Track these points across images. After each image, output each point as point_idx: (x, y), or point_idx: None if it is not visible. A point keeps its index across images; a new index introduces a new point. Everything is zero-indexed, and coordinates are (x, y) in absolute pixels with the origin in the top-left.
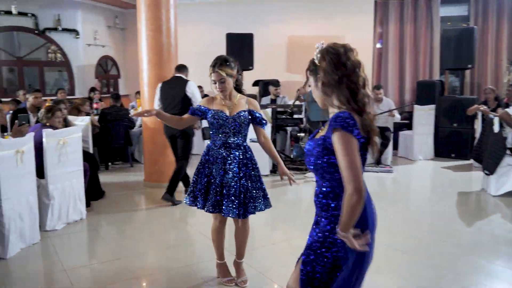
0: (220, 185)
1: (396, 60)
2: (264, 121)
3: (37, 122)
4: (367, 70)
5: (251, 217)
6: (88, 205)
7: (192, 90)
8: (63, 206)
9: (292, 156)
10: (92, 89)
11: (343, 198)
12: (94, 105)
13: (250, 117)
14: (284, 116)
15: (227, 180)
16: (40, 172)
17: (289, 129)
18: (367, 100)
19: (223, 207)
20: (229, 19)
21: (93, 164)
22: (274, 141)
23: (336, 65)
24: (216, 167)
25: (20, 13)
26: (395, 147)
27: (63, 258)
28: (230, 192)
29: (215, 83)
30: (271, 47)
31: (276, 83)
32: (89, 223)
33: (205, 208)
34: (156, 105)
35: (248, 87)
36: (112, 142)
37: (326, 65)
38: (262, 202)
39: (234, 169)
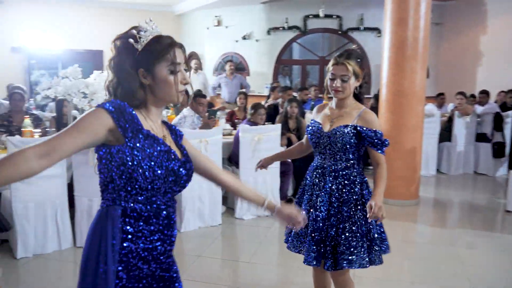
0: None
1: None
2: (380, 142)
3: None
4: None
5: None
6: (290, 201)
7: None
8: None
9: None
10: None
11: None
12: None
13: (354, 135)
14: None
15: (312, 216)
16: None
17: None
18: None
19: (304, 250)
20: None
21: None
22: None
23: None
24: (307, 197)
25: (326, 16)
26: None
27: (211, 247)
28: (312, 234)
29: (333, 79)
30: None
31: None
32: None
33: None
34: None
35: None
36: None
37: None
38: (363, 255)
39: (322, 203)
